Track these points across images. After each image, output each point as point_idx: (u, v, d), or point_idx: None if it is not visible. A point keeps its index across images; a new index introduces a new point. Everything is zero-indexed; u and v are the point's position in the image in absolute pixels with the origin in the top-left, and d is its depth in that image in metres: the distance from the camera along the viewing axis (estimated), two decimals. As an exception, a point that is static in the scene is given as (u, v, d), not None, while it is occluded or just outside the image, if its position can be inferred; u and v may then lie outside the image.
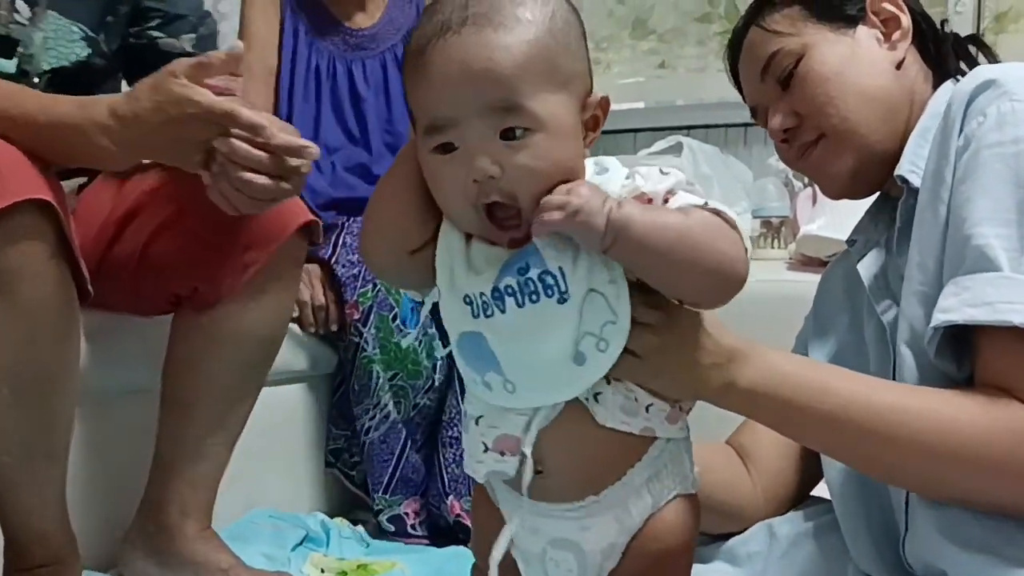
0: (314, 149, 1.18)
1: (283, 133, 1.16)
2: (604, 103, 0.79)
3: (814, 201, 2.16)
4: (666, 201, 0.76)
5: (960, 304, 0.82)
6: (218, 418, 1.43)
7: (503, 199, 0.75)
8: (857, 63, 1.00)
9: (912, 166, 0.94)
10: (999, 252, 0.83)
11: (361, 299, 1.78)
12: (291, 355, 1.78)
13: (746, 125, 2.82)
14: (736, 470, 1.10)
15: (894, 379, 0.91)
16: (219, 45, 1.55)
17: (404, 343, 1.75)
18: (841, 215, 2.00)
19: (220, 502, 1.52)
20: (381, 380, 1.75)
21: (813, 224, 2.00)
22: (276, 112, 1.96)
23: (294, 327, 1.78)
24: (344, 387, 1.83)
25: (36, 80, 1.39)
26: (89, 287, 1.22)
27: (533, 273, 0.75)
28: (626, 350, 0.77)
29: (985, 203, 0.85)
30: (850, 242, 1.09)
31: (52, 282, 1.17)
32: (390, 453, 1.75)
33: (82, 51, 1.42)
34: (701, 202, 0.76)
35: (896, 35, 1.02)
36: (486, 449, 0.82)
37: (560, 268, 0.75)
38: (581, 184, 0.74)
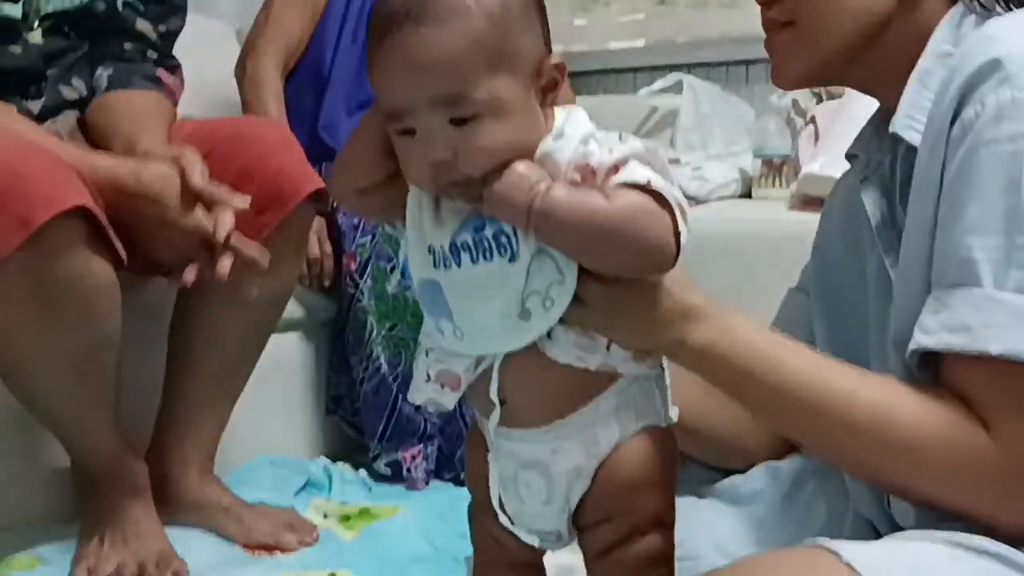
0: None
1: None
2: (560, 67, 0.83)
3: (816, 139, 2.13)
4: (615, 170, 0.79)
5: (939, 327, 0.79)
6: (222, 377, 1.49)
7: (459, 178, 0.80)
8: None
9: (910, 119, 0.88)
10: (983, 266, 0.78)
11: (359, 249, 1.77)
12: (291, 304, 1.77)
13: (747, 62, 2.78)
14: (738, 406, 1.10)
15: (890, 328, 0.89)
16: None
17: (403, 294, 1.74)
18: (844, 154, 1.98)
19: (223, 449, 1.54)
20: (374, 332, 1.75)
21: (815, 163, 1.98)
22: (318, 50, 1.94)
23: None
24: (343, 334, 1.82)
25: (36, 25, 1.39)
26: (123, 257, 1.29)
27: (488, 232, 0.81)
28: (576, 298, 0.80)
29: (974, 209, 0.79)
30: (850, 156, 1.03)
31: (96, 274, 1.26)
32: (383, 405, 1.75)
33: None
34: (645, 179, 0.79)
35: None
36: (428, 379, 0.88)
37: (513, 229, 0.80)
38: (515, 167, 0.78)
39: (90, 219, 1.24)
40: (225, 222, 1.26)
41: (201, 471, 1.50)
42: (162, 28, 1.53)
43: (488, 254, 0.81)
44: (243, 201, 1.28)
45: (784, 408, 0.84)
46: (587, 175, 0.80)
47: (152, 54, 1.52)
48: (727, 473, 1.13)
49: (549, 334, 0.83)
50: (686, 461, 1.19)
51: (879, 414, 0.80)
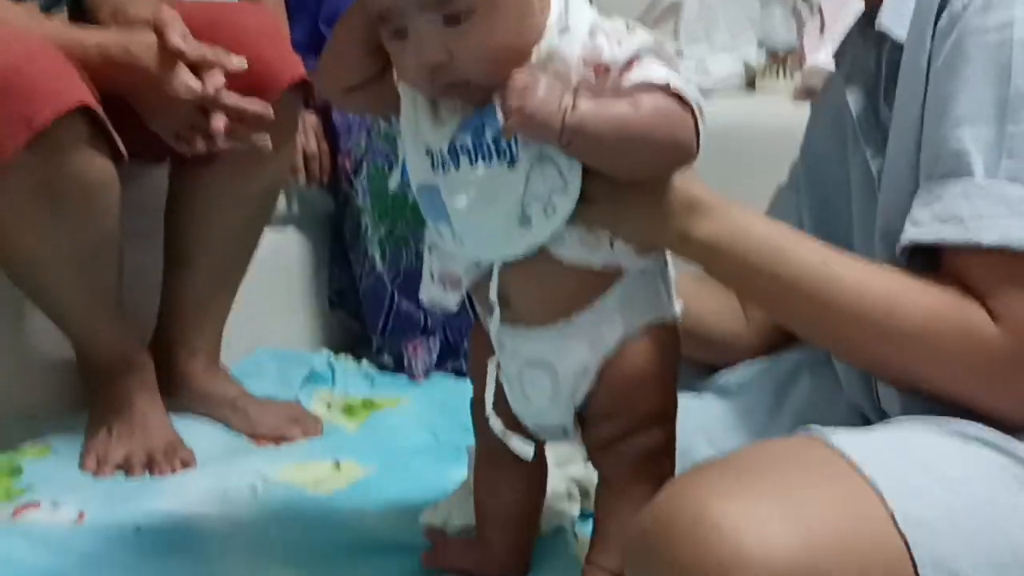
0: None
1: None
2: None
3: (822, 30, 2.09)
4: (629, 67, 0.78)
5: (931, 218, 0.78)
6: (219, 271, 1.49)
7: (456, 80, 0.78)
8: None
9: (895, 15, 0.86)
10: (974, 156, 0.77)
11: (355, 148, 1.75)
12: (288, 198, 1.78)
13: (754, -50, 2.71)
14: (729, 302, 1.10)
15: (874, 228, 0.89)
16: None
17: (402, 192, 1.73)
18: (849, 45, 1.95)
19: (225, 342, 1.56)
20: (369, 232, 1.74)
21: (820, 55, 1.95)
22: None
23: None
24: (343, 231, 1.82)
25: None
26: (124, 153, 1.28)
27: (488, 135, 0.79)
28: (581, 196, 0.80)
29: (964, 100, 0.78)
30: (837, 56, 1.02)
31: (98, 171, 1.26)
32: (379, 303, 1.76)
33: None
34: (663, 75, 0.78)
35: None
36: (432, 278, 0.89)
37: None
38: (537, 81, 0.75)
39: (91, 116, 1.23)
40: (214, 80, 1.23)
41: (208, 362, 1.52)
42: None
43: (487, 158, 0.79)
44: (239, 62, 1.25)
45: (792, 300, 0.84)
46: (600, 72, 0.78)
47: None
48: (716, 370, 1.14)
49: (553, 235, 0.82)
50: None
51: (889, 304, 0.80)
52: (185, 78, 1.24)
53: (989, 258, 0.77)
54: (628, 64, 0.78)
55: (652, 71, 0.78)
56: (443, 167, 0.82)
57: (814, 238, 0.87)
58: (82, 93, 1.21)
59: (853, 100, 0.93)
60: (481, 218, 0.82)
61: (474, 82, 0.79)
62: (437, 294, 0.90)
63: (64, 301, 1.37)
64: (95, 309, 1.37)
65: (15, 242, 1.29)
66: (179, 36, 1.24)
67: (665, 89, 0.78)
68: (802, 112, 2.00)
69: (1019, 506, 0.74)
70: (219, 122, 1.24)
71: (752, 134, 1.90)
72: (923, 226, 0.79)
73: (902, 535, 0.70)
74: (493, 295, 0.86)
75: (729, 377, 1.13)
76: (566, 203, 0.80)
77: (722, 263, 0.84)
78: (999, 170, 0.77)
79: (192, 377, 1.51)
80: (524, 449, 0.91)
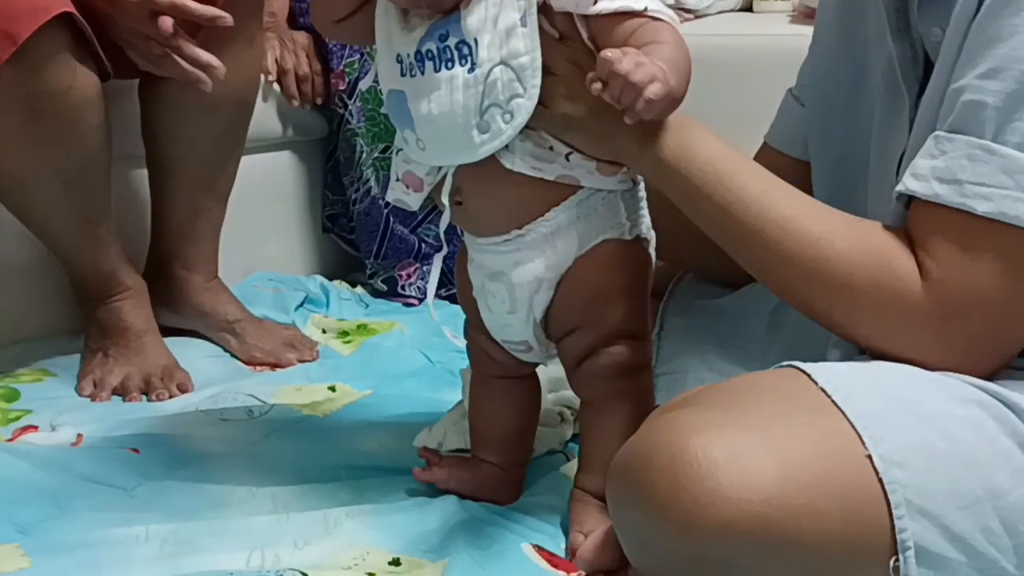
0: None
1: None
2: None
3: (822, -51, 2.06)
4: None
5: (930, 174, 0.76)
6: (205, 178, 1.48)
7: None
8: None
9: None
10: (989, 112, 0.74)
11: (348, 69, 1.72)
12: (280, 122, 1.76)
13: None
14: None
15: (900, 126, 0.86)
16: None
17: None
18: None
19: (219, 267, 1.55)
20: (364, 154, 1.73)
21: (819, -26, 1.92)
22: None
23: (280, 92, 1.74)
24: (336, 154, 1.81)
25: None
26: (109, 69, 1.28)
27: (451, 41, 0.80)
28: (540, 101, 0.80)
29: (1002, 48, 0.73)
30: None
31: (83, 87, 1.25)
32: (375, 226, 1.75)
33: None
34: (642, 5, 0.79)
35: None
36: (397, 179, 0.91)
37: (476, 39, 0.79)
38: (654, 64, 0.75)
39: (74, 29, 1.21)
40: None
41: (206, 276, 1.52)
42: None
43: (450, 63, 0.80)
44: None
45: (726, 227, 0.84)
46: None
47: None
48: (726, 286, 1.14)
49: (507, 144, 0.83)
50: (680, 281, 1.20)
51: (813, 248, 0.80)
52: None
53: (965, 223, 0.75)
54: None
55: None
56: (410, 72, 0.83)
57: (763, 168, 0.86)
58: (63, 3, 1.20)
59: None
60: (442, 123, 0.82)
61: None
62: (400, 194, 0.92)
63: (53, 222, 1.36)
64: (85, 231, 1.37)
65: (3, 159, 1.28)
66: None
67: (643, 13, 0.78)
68: (800, 32, 1.98)
69: (995, 444, 0.75)
70: (165, 23, 1.23)
71: (750, 55, 1.88)
72: (922, 180, 0.77)
73: (878, 474, 0.71)
74: (445, 197, 0.88)
75: (726, 303, 1.13)
76: (524, 109, 0.81)
77: (670, 183, 0.84)
78: (1011, 133, 0.74)
79: (191, 291, 1.51)
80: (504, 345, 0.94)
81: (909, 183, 0.78)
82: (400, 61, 0.84)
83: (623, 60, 0.74)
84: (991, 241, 0.75)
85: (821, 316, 0.83)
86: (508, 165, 0.84)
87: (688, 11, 2.08)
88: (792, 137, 1.07)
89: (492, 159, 0.84)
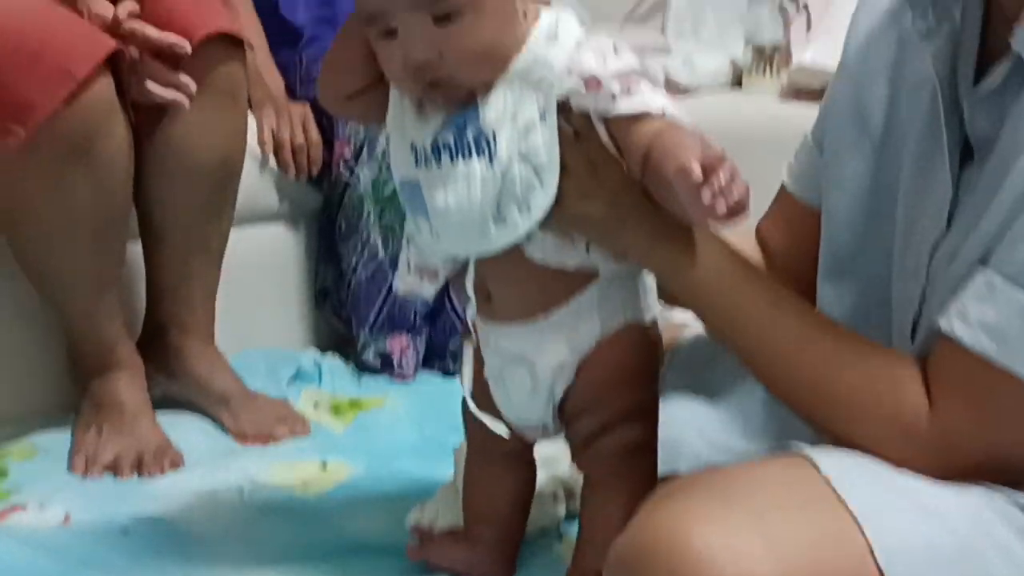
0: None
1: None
2: None
3: (808, 28, 2.10)
4: (628, 92, 0.79)
5: (979, 324, 0.73)
6: (195, 240, 1.47)
7: (441, 78, 0.80)
8: None
9: None
10: None
11: (354, 134, 1.74)
12: (275, 195, 1.77)
13: (741, -54, 2.71)
14: (751, 257, 1.04)
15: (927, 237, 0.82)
16: None
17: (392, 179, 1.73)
18: (836, 44, 1.94)
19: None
20: (371, 217, 1.74)
21: (807, 53, 1.96)
22: None
23: (276, 166, 1.76)
24: (331, 226, 1.81)
25: None
26: (133, 119, 1.31)
27: (469, 133, 0.81)
28: (557, 196, 0.81)
29: None
30: (915, 5, 0.84)
31: (121, 132, 1.28)
32: (376, 291, 1.75)
33: None
34: (660, 104, 0.79)
35: None
36: (409, 269, 0.91)
37: (494, 132, 0.80)
38: (729, 163, 0.73)
39: (116, 73, 1.24)
40: (125, 7, 1.27)
41: (203, 342, 1.51)
42: None
43: (467, 155, 0.81)
44: None
45: (732, 335, 0.85)
46: (592, 85, 0.80)
47: None
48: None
49: (529, 235, 0.83)
50: (679, 349, 1.20)
51: (819, 367, 0.80)
52: (95, 6, 1.27)
53: (987, 368, 0.73)
54: (627, 89, 0.79)
55: (649, 100, 0.80)
56: (425, 163, 0.84)
57: (772, 279, 0.86)
58: (112, 42, 1.22)
59: (940, 63, 0.81)
60: (458, 215, 0.83)
61: (458, 80, 0.81)
62: (414, 284, 0.93)
63: (69, 280, 1.35)
64: (97, 294, 1.36)
65: (36, 207, 1.28)
66: None
67: (660, 117, 0.80)
68: (789, 110, 2.02)
69: (994, 535, 0.74)
70: (131, 50, 1.27)
71: (740, 132, 1.90)
72: (970, 327, 0.74)
73: (879, 567, 0.70)
74: (469, 288, 0.88)
75: (729, 367, 1.13)
76: (542, 203, 0.81)
77: (676, 283, 0.84)
78: None
79: (188, 359, 1.50)
80: (499, 428, 0.93)
81: (956, 327, 0.75)
82: (414, 150, 0.84)
83: (725, 162, 0.73)
84: (1019, 401, 0.74)
85: (819, 426, 0.83)
86: (530, 255, 0.85)
87: (679, 87, 2.12)
88: (808, 181, 1.02)
89: (516, 251, 0.85)
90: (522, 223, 0.82)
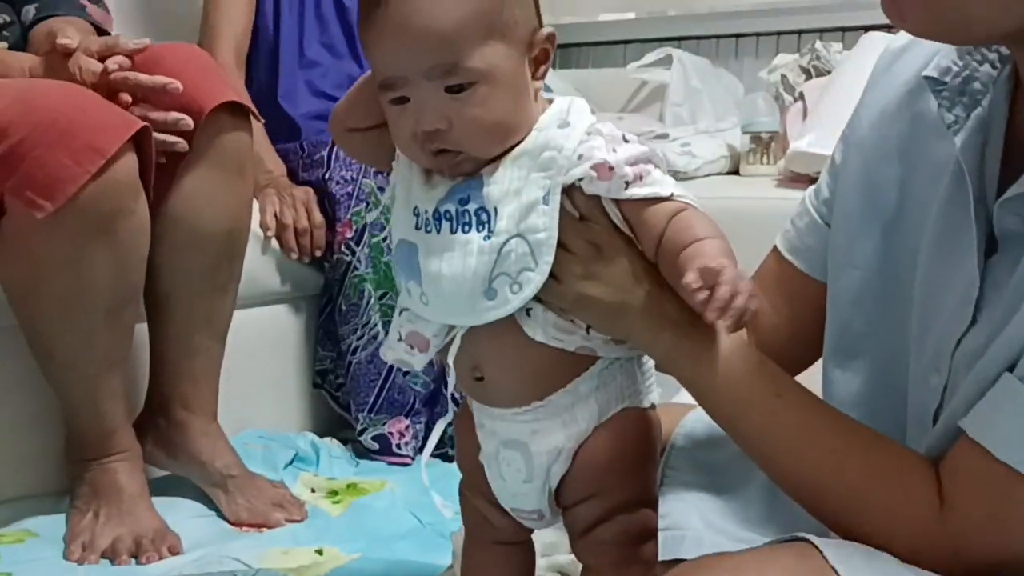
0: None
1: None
2: (551, 38, 0.84)
3: (804, 116, 2.13)
4: (639, 178, 0.80)
5: (1002, 430, 0.72)
6: (200, 314, 1.47)
7: (449, 147, 0.81)
8: None
9: None
10: None
11: (355, 218, 1.76)
12: (276, 277, 1.78)
13: (737, 36, 2.78)
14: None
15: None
16: None
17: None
18: (832, 130, 1.97)
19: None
20: (372, 299, 1.74)
21: (803, 140, 1.98)
22: (260, 27, 1.93)
23: (279, 248, 1.77)
24: (331, 308, 1.82)
25: None
26: (152, 198, 1.33)
27: (472, 206, 0.82)
28: (553, 276, 0.81)
29: None
30: (934, 82, 0.83)
31: (142, 212, 1.30)
32: (376, 374, 1.75)
33: None
34: (669, 188, 0.80)
35: None
36: (400, 338, 0.90)
37: (495, 208, 0.80)
38: (738, 277, 0.74)
39: (140, 152, 1.27)
40: (114, 62, 1.31)
41: (206, 418, 1.50)
42: None
43: (467, 227, 0.82)
44: (136, 45, 1.33)
45: (735, 426, 0.84)
46: (603, 171, 0.80)
47: None
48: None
49: (528, 312, 0.83)
50: (681, 434, 1.19)
51: (826, 461, 0.80)
52: (85, 63, 1.31)
53: (1007, 473, 0.72)
54: (639, 176, 0.81)
55: (659, 185, 0.81)
56: (426, 228, 0.84)
57: (777, 369, 0.84)
58: (136, 121, 1.26)
59: (970, 158, 0.79)
60: (450, 284, 0.83)
61: (465, 151, 0.82)
62: (403, 354, 0.91)
63: (79, 361, 1.34)
64: (104, 376, 1.36)
65: (53, 281, 1.28)
66: (66, 38, 1.32)
67: (671, 199, 0.81)
68: (786, 196, 2.04)
69: None
70: (124, 97, 1.31)
71: (738, 218, 1.92)
72: (993, 433, 0.72)
73: None
74: (450, 358, 0.87)
75: (732, 453, 1.11)
76: (532, 284, 0.81)
77: (679, 371, 0.84)
78: None
79: (190, 436, 1.48)
80: (493, 514, 0.93)
81: (980, 432, 0.74)
82: (417, 214, 0.85)
83: (729, 268, 0.74)
84: None
85: (827, 520, 0.82)
86: (531, 335, 0.84)
87: (678, 173, 2.14)
88: (814, 255, 1.00)
89: (512, 332, 0.84)
90: (512, 300, 0.82)
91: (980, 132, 0.80)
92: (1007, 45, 0.79)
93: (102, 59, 1.32)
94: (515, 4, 0.81)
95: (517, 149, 0.82)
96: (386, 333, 1.75)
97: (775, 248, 1.04)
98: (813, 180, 2.21)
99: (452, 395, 1.80)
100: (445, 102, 0.79)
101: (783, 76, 2.33)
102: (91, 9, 1.57)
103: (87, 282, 1.28)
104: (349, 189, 1.78)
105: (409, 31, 0.78)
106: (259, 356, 1.78)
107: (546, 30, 0.83)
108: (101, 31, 1.54)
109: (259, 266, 1.73)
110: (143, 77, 1.32)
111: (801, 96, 2.20)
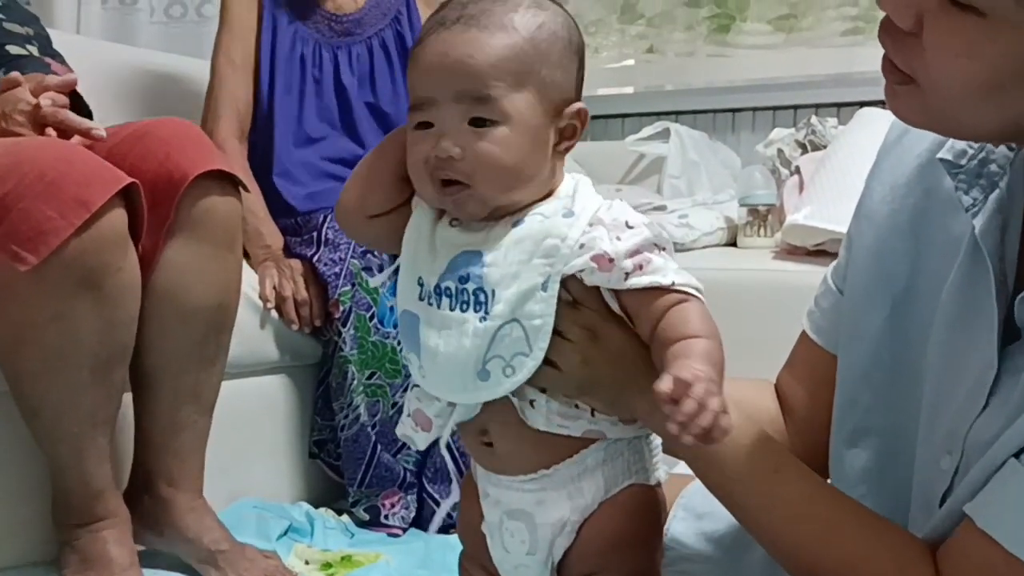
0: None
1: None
2: (582, 114, 0.85)
3: (800, 189, 2.15)
4: (639, 268, 0.80)
5: (1007, 518, 0.71)
6: (187, 389, 1.45)
7: (458, 177, 0.81)
8: (980, 57, 0.69)
9: None
10: None
11: (342, 298, 1.76)
12: (275, 346, 1.78)
13: (734, 111, 2.82)
14: (767, 411, 1.04)
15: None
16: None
17: (382, 342, 1.74)
18: (828, 204, 1.99)
19: (204, 492, 1.52)
20: (355, 381, 1.74)
21: (799, 213, 2.00)
22: (256, 104, 1.95)
23: (278, 318, 1.77)
24: (328, 378, 1.81)
25: None
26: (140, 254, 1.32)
27: (470, 285, 0.82)
28: (549, 362, 0.81)
29: None
30: (950, 165, 0.82)
31: (131, 268, 1.29)
32: (361, 453, 1.74)
33: None
34: (670, 277, 0.80)
35: None
36: (408, 415, 0.90)
37: (493, 291, 0.81)
38: (708, 394, 0.72)
39: (130, 208, 1.27)
40: (46, 98, 1.33)
41: (191, 495, 1.47)
42: (28, 30, 1.60)
43: (464, 306, 0.82)
44: (68, 81, 1.36)
45: (733, 499, 0.85)
46: (603, 263, 0.80)
47: (33, 47, 1.58)
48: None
49: (532, 403, 0.83)
50: (680, 507, 1.18)
51: (822, 536, 0.80)
52: (20, 94, 1.33)
53: (1001, 556, 0.71)
54: (639, 266, 0.81)
55: (659, 274, 0.81)
56: (428, 300, 0.84)
57: (777, 444, 0.85)
58: (124, 176, 1.25)
59: (990, 240, 0.78)
60: (444, 361, 0.83)
61: (472, 188, 0.82)
62: (409, 431, 0.91)
63: (65, 419, 1.31)
64: (90, 436, 1.33)
65: (40, 336, 1.26)
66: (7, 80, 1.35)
67: (671, 288, 0.81)
68: (782, 268, 2.05)
69: None
70: (49, 131, 1.33)
71: (736, 289, 1.93)
72: (997, 520, 0.72)
73: None
74: (446, 436, 0.87)
75: (731, 528, 1.10)
76: (524, 369, 0.81)
77: (680, 448, 0.83)
78: None
79: (176, 513, 1.45)
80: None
81: (984, 518, 0.73)
82: (421, 285, 0.85)
83: (700, 383, 0.72)
84: None
85: None
86: (534, 425, 0.83)
87: (675, 245, 2.15)
88: (833, 331, 0.99)
89: (516, 413, 0.84)
90: (504, 383, 0.82)
91: (999, 214, 0.80)
92: (1004, 143, 0.80)
93: (35, 95, 1.34)
94: (557, 67, 0.83)
95: (520, 231, 0.82)
96: (370, 416, 1.76)
97: (803, 332, 1.03)
98: (810, 253, 2.23)
99: (451, 471, 1.80)
100: (465, 133, 0.81)
101: (779, 150, 2.36)
102: (55, 67, 1.59)
103: (73, 338, 1.26)
104: (336, 270, 1.79)
105: (450, 56, 0.80)
106: (257, 425, 1.77)
107: (578, 104, 0.85)
108: None
109: (259, 336, 1.73)
110: (72, 116, 1.33)
111: (797, 170, 2.22)
